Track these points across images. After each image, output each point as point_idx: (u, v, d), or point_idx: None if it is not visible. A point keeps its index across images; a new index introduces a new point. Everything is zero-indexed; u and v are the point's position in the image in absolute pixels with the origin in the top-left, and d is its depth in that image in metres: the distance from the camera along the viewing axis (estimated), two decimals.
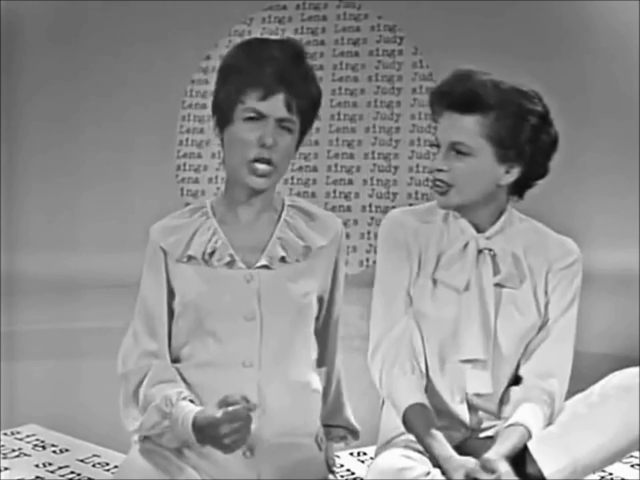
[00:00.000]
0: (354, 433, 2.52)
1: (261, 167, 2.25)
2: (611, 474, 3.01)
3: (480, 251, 2.37)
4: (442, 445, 2.22)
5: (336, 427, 2.50)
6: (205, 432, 2.11)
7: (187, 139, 6.97)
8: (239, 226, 2.36)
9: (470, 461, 2.16)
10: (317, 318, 2.40)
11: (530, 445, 2.21)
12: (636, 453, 3.11)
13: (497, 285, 2.37)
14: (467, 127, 2.30)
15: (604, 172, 6.52)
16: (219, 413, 2.08)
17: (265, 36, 2.44)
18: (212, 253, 2.33)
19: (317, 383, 2.39)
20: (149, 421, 2.21)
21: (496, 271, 2.37)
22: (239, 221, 2.36)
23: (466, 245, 2.37)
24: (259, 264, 2.31)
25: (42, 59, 7.29)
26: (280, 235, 2.35)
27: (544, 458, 2.19)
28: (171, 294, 2.36)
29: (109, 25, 7.17)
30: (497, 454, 2.17)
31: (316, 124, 7.08)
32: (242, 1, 6.94)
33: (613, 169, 6.53)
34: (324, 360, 2.46)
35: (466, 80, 2.31)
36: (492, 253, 2.36)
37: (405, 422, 2.30)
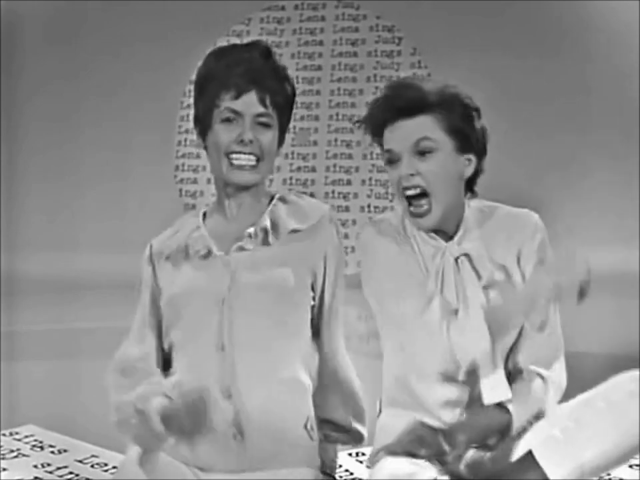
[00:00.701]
0: (355, 435, 2.51)
1: (242, 158, 2.29)
2: (608, 474, 3.01)
3: (456, 259, 2.37)
4: None
5: (331, 425, 2.50)
6: (169, 423, 2.13)
7: (185, 139, 6.97)
8: (225, 220, 2.39)
9: None
10: (312, 308, 2.41)
11: (534, 451, 2.21)
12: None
13: (484, 287, 2.37)
14: (423, 125, 2.32)
15: (604, 171, 6.52)
16: (176, 403, 2.11)
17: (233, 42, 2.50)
18: (187, 246, 2.37)
19: (302, 371, 2.39)
20: (123, 415, 2.23)
21: (478, 275, 2.37)
22: (225, 216, 2.39)
23: (442, 256, 2.37)
24: (234, 247, 2.34)
25: (42, 59, 7.29)
26: (262, 225, 2.37)
27: (549, 464, 2.18)
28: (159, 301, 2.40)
29: (109, 25, 7.17)
30: None
31: (315, 124, 7.14)
32: (240, 1, 6.94)
33: (613, 169, 6.53)
34: (321, 351, 2.46)
35: (404, 87, 2.35)
36: (468, 257, 2.36)
37: None
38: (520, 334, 2.37)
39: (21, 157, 7.30)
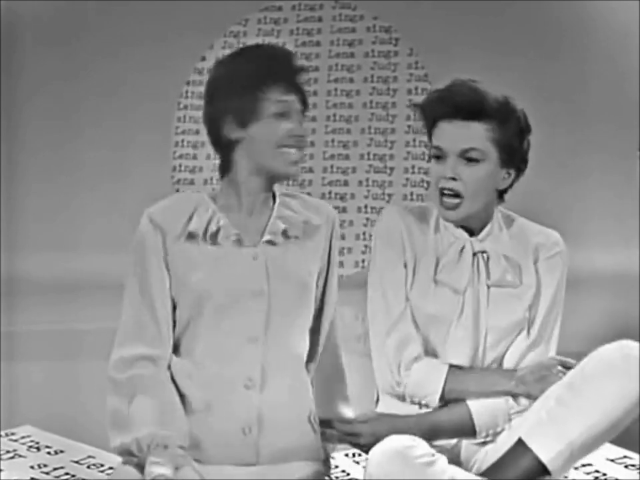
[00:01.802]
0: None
1: (292, 152, 2.33)
2: (605, 474, 3.02)
3: (474, 254, 2.42)
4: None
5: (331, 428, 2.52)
6: None
7: (182, 140, 6.97)
8: (240, 213, 2.40)
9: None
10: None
11: (522, 437, 2.23)
12: (630, 454, 3.12)
13: (489, 286, 2.41)
14: (477, 133, 2.36)
15: (604, 172, 6.51)
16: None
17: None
18: (217, 232, 2.36)
19: (306, 364, 2.42)
20: (122, 453, 2.24)
21: (489, 273, 2.42)
22: (241, 209, 2.40)
23: (462, 249, 2.42)
24: (263, 240, 2.35)
25: (42, 59, 7.28)
26: (279, 214, 2.40)
27: (539, 447, 2.21)
28: (169, 278, 2.38)
29: (109, 25, 7.16)
30: None
31: (311, 125, 7.20)
32: (237, 2, 6.93)
33: (612, 169, 6.52)
34: (317, 346, 2.48)
35: (469, 88, 2.38)
36: (485, 255, 2.41)
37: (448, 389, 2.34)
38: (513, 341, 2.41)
39: (21, 157, 7.29)
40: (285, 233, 2.40)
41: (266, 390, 2.32)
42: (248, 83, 2.38)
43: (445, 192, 2.42)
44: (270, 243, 2.39)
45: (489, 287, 2.43)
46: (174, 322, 2.41)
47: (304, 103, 2.43)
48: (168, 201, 2.48)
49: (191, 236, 2.38)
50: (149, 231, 2.41)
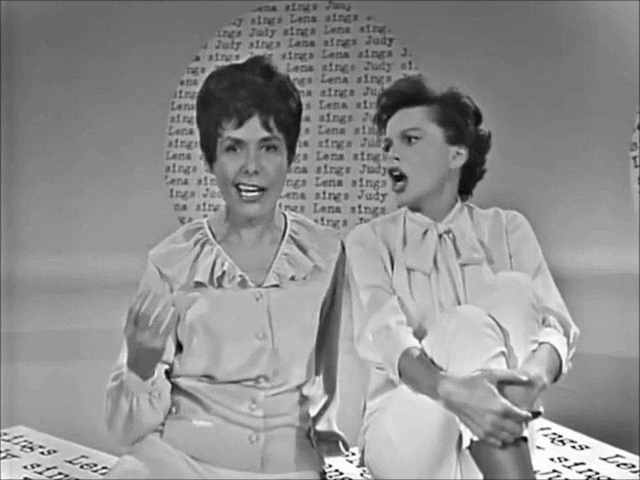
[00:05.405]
0: (344, 442, 2.56)
1: (249, 194, 2.26)
2: (597, 473, 3.02)
3: (440, 236, 2.47)
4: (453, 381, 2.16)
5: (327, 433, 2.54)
6: (131, 343, 2.12)
7: (176, 140, 6.97)
8: (243, 246, 2.36)
9: (498, 402, 2.06)
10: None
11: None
12: (623, 453, 3.12)
13: (462, 265, 2.46)
14: (416, 115, 2.50)
15: (604, 171, 6.52)
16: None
17: (235, 62, 2.45)
18: (221, 276, 2.33)
19: (310, 388, 2.43)
20: (109, 407, 2.24)
21: (458, 253, 2.47)
22: (242, 242, 2.37)
23: (425, 232, 2.48)
24: (268, 283, 2.33)
25: (41, 59, 7.31)
26: (286, 251, 2.37)
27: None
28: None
29: (107, 25, 7.19)
30: (532, 369, 2.16)
31: (305, 125, 7.14)
32: (231, 2, 6.94)
33: (612, 168, 6.52)
34: (321, 369, 2.49)
35: (407, 81, 2.54)
36: (451, 235, 2.47)
37: (400, 368, 2.30)
38: None
39: (20, 157, 7.32)
40: (292, 278, 2.36)
41: (270, 410, 2.34)
42: (205, 118, 2.31)
43: (392, 173, 2.51)
44: (275, 286, 2.35)
45: (461, 266, 2.47)
46: (174, 361, 2.40)
47: (279, 126, 2.28)
48: (171, 243, 2.41)
49: (198, 284, 2.34)
50: (155, 279, 2.37)
